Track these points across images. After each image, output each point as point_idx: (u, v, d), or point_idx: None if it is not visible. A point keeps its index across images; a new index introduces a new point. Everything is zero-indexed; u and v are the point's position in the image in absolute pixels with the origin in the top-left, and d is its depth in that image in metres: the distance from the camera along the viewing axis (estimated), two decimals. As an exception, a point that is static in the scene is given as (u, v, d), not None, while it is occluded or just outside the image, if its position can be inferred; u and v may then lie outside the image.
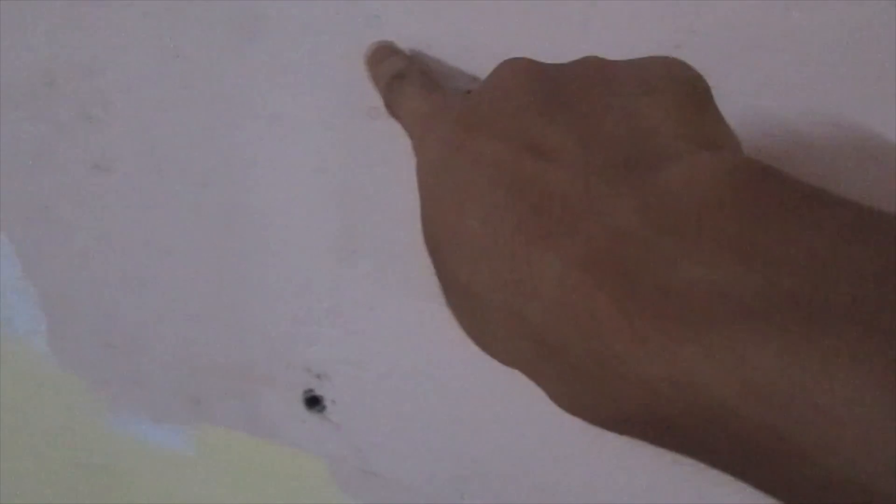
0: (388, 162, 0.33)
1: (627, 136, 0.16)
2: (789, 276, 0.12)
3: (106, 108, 0.39)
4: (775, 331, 0.12)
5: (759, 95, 0.26)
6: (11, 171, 0.43)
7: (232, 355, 0.42)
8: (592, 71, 0.19)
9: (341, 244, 0.36)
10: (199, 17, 0.34)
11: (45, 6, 0.37)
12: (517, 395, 0.35)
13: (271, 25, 0.32)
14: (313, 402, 0.40)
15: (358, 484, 0.42)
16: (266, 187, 0.37)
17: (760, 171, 0.14)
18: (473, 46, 0.30)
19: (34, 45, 0.38)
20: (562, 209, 0.15)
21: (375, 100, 0.32)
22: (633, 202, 0.14)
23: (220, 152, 0.37)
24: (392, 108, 0.26)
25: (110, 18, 0.36)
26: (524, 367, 0.16)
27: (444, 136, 0.19)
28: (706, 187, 0.14)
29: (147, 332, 0.44)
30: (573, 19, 0.27)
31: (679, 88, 0.18)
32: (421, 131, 0.22)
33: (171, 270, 0.41)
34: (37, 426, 0.52)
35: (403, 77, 0.26)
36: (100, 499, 0.52)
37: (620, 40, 0.27)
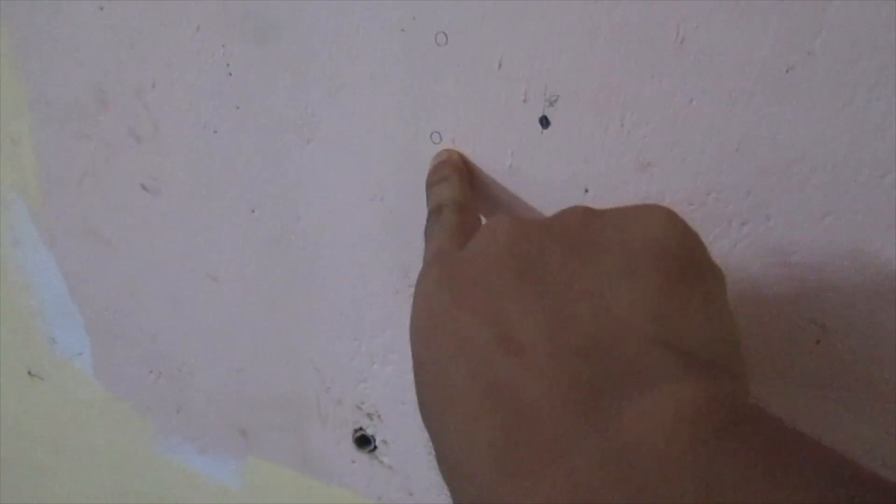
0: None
1: (600, 338, 0.16)
2: None
3: (156, 127, 0.37)
4: None
5: (882, 128, 0.23)
6: (59, 189, 0.42)
7: (279, 388, 0.40)
8: (575, 237, 0.19)
9: (396, 277, 0.34)
10: (253, 34, 0.32)
11: (98, 23, 0.36)
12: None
13: (330, 43, 0.30)
14: (364, 441, 0.38)
15: (409, 529, 0.39)
16: (319, 214, 0.34)
17: (723, 424, 0.13)
18: (548, 66, 0.27)
19: (86, 63, 0.37)
20: (531, 436, 0.15)
21: (438, 123, 0.30)
22: (598, 448, 0.14)
23: (272, 176, 0.35)
24: (425, 236, 0.27)
25: (162, 34, 0.34)
26: None
27: (432, 291, 0.20)
28: (665, 443, 0.13)
29: (192, 359, 0.42)
30: (669, 38, 0.24)
31: (660, 270, 0.17)
32: (422, 271, 0.22)
33: (217, 297, 0.40)
34: (80, 447, 0.51)
35: (440, 212, 0.26)
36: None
37: (727, 62, 0.24)
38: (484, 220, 0.28)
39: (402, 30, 0.28)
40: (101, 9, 0.35)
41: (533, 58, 0.27)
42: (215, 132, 0.35)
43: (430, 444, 0.18)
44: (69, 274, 0.45)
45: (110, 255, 0.42)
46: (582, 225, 0.19)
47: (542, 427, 0.15)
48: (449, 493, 0.17)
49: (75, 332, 0.47)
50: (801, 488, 0.12)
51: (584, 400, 0.15)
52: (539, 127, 0.27)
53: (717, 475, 0.13)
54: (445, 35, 0.28)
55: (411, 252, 0.33)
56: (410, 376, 0.36)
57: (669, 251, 0.18)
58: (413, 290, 0.34)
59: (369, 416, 0.37)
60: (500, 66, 0.27)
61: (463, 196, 0.27)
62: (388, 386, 0.36)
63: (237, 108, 0.34)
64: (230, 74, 0.34)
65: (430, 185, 0.29)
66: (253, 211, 0.36)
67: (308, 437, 0.40)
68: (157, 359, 0.44)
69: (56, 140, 0.40)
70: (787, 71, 0.23)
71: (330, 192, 0.34)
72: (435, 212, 0.27)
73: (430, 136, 0.30)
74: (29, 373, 0.51)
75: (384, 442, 0.37)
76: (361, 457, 0.38)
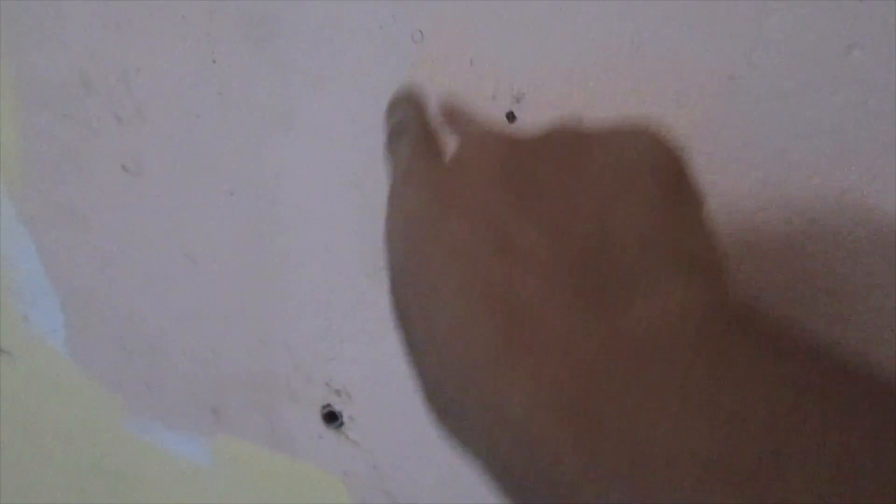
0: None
1: (599, 244, 0.16)
2: (748, 437, 0.12)
3: (138, 110, 0.38)
4: (732, 493, 0.12)
5: (810, 132, 0.25)
6: (40, 169, 0.43)
7: (251, 366, 0.41)
8: (567, 152, 0.19)
9: (368, 260, 0.36)
10: (238, 24, 0.33)
11: (85, 8, 0.37)
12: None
13: (313, 35, 0.32)
14: (331, 417, 0.39)
15: (374, 503, 0.41)
16: (295, 198, 0.36)
17: (729, 318, 0.14)
18: (515, 66, 0.29)
19: (71, 46, 0.38)
20: (533, 329, 0.15)
21: (413, 116, 0.32)
22: (602, 336, 0.14)
23: (251, 161, 0.36)
24: (387, 156, 0.26)
25: (149, 21, 0.36)
26: (488, 472, 0.16)
27: (415, 199, 0.19)
28: (674, 334, 0.14)
29: (166, 338, 0.44)
30: (624, 45, 0.27)
31: (655, 183, 0.17)
32: (397, 185, 0.21)
33: (193, 277, 0.41)
34: (51, 425, 0.52)
35: (403, 131, 0.25)
36: (113, 502, 0.52)
37: (676, 68, 0.26)
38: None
39: (381, 27, 0.30)
40: (89, -6, 0.37)
41: (502, 57, 0.29)
42: (197, 117, 0.37)
43: (407, 349, 0.18)
44: (46, 252, 0.46)
45: (88, 235, 0.43)
46: (572, 143, 0.19)
47: (547, 321, 0.15)
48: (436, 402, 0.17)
49: (50, 309, 0.48)
50: (804, 373, 0.13)
51: (590, 298, 0.15)
52: (506, 121, 0.30)
53: (728, 366, 0.13)
54: (421, 33, 0.30)
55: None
56: (378, 355, 0.38)
57: (661, 168, 0.18)
58: (385, 271, 0.36)
59: (337, 392, 0.39)
60: (471, 63, 0.29)
61: (427, 118, 0.26)
62: (357, 364, 0.38)
63: (219, 94, 0.36)
64: (214, 62, 0.35)
65: (390, 108, 0.28)
66: (231, 193, 0.37)
67: (278, 413, 0.41)
68: (131, 337, 0.45)
69: (38, 120, 0.41)
70: (729, 78, 0.26)
71: (307, 178, 0.35)
72: (397, 130, 0.25)
73: (404, 128, 0.32)
74: (-1, 349, 0.51)
75: (351, 418, 0.39)
76: (328, 432, 0.40)
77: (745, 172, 0.27)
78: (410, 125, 0.25)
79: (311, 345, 0.39)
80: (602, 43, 0.27)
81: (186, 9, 0.34)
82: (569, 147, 0.19)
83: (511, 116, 0.29)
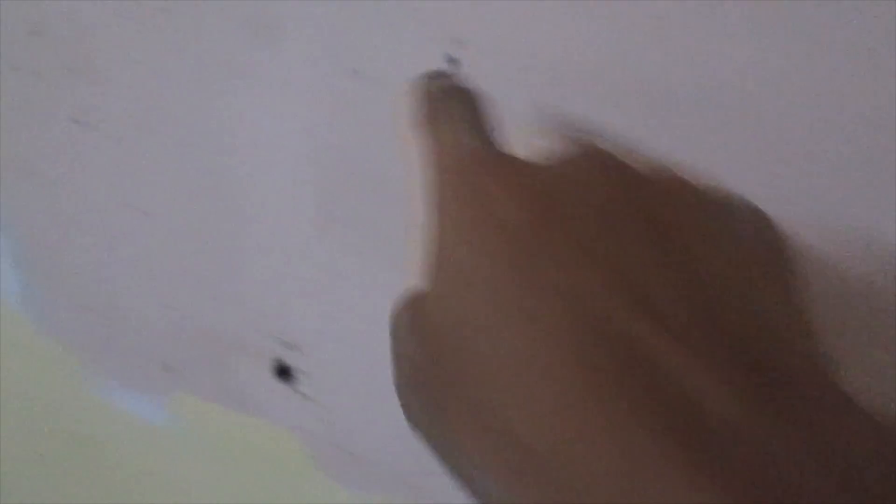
0: (372, 127, 0.33)
1: (753, 336, 0.14)
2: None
3: (91, 61, 0.38)
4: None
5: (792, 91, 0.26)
6: (-8, 122, 0.42)
7: (204, 320, 0.41)
8: (685, 200, 0.16)
9: (319, 210, 0.36)
10: (186, -30, 0.33)
11: (33, -47, 0.36)
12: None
13: (259, -19, 0.32)
14: (283, 372, 0.40)
15: (328, 458, 0.41)
16: (248, 150, 0.36)
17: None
18: (460, 9, 0.29)
19: (20, -6, 0.38)
20: (709, 429, 0.12)
21: (358, 61, 0.32)
22: (799, 450, 0.12)
23: (203, 112, 0.36)
24: (425, 125, 0.19)
25: (97, -32, 0.35)
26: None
27: (504, 199, 0.15)
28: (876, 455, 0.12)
29: (120, 293, 0.43)
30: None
31: (776, 260, 0.16)
32: (455, 181, 0.16)
33: (148, 232, 0.41)
34: (4, 387, 0.52)
35: (453, 96, 0.20)
36: (70, 465, 0.52)
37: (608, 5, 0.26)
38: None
39: (327, -31, 0.30)
40: (39, -59, 0.36)
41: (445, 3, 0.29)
42: (150, 68, 0.37)
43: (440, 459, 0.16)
44: (-1, 209, 0.45)
45: (41, 190, 0.43)
46: (692, 196, 0.16)
47: (719, 417, 0.12)
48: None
49: (4, 268, 0.47)
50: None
51: (747, 384, 0.13)
52: (450, 66, 0.30)
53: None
54: (367, -24, 0.30)
55: (334, 187, 0.35)
56: (331, 307, 0.38)
57: (786, 256, 0.16)
58: (335, 222, 0.36)
59: (290, 347, 0.39)
60: (415, 8, 0.30)
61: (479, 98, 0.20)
62: (309, 317, 0.38)
63: (174, 43, 0.35)
64: (167, 10, 0.35)
65: (428, 79, 0.21)
66: (184, 145, 0.37)
67: (229, 369, 0.41)
68: (86, 295, 0.45)
69: (-11, 72, 0.41)
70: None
71: (261, 128, 0.35)
72: (445, 93, 0.20)
73: (350, 75, 0.32)
74: (-46, 310, 0.51)
75: (303, 372, 0.39)
76: (281, 387, 0.40)
77: (726, 134, 0.27)
78: (456, 92, 0.20)
79: (261, 298, 0.39)
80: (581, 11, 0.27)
81: (136, -45, 0.34)
82: (687, 193, 0.16)
83: (454, 61, 0.30)
